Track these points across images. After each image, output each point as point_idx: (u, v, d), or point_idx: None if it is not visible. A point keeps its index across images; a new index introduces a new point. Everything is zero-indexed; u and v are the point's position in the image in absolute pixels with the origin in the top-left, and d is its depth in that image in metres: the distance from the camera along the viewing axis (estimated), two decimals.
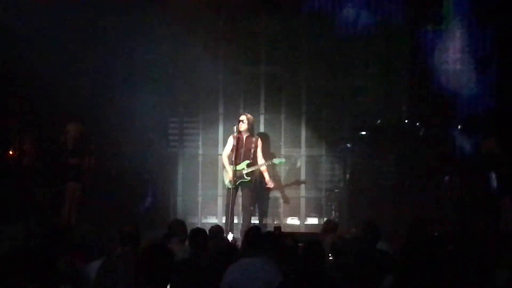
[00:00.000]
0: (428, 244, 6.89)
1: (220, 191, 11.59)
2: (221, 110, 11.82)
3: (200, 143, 11.88)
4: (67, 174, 10.24)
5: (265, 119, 11.83)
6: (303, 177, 11.80)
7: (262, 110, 11.85)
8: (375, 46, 11.63)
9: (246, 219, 10.20)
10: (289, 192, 11.75)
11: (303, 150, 11.83)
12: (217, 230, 7.96)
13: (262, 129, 11.74)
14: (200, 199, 11.78)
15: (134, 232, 6.55)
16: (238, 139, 10.17)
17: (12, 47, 10.41)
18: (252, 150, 10.22)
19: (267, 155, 10.67)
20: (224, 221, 10.46)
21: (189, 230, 7.35)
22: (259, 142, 10.30)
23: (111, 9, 11.01)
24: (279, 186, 11.39)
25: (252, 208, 10.47)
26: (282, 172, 11.82)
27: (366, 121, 11.74)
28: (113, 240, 6.78)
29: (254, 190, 10.37)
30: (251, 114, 11.44)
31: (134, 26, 11.25)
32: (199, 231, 7.03)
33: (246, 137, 10.22)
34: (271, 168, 11.01)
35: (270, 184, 10.39)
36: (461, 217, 10.34)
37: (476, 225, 9.80)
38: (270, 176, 10.51)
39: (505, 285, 5.44)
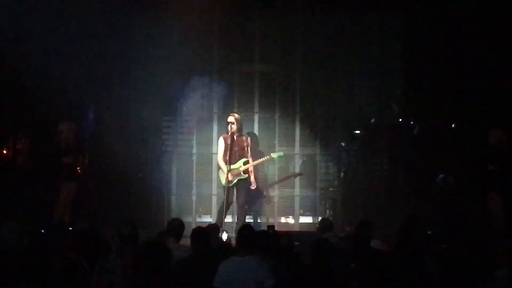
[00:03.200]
0: (422, 242, 6.93)
1: (215, 190, 11.60)
2: (215, 109, 11.82)
3: (194, 142, 11.87)
4: (61, 174, 10.23)
5: (259, 118, 11.84)
6: (297, 176, 11.80)
7: (256, 109, 11.85)
8: (369, 45, 11.64)
9: (241, 217, 10.22)
10: (283, 191, 11.78)
11: (297, 149, 11.83)
12: (213, 229, 7.98)
13: (256, 128, 11.76)
14: (194, 198, 11.78)
15: (133, 231, 6.56)
16: (230, 139, 10.22)
17: (6, 48, 10.41)
18: (246, 148, 10.27)
19: (258, 153, 10.72)
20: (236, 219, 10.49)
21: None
22: (249, 140, 10.36)
23: (106, 8, 11.01)
24: (264, 185, 11.40)
25: (246, 206, 10.48)
26: (276, 171, 11.84)
27: (360, 120, 11.75)
28: (111, 239, 6.79)
29: (249, 189, 10.39)
30: (245, 113, 11.52)
31: (129, 26, 11.26)
32: (201, 230, 7.04)
33: (237, 136, 10.26)
34: (262, 167, 11.05)
35: (254, 185, 10.40)
36: (455, 216, 10.38)
37: (470, 223, 9.83)
38: (257, 176, 10.57)
39: (505, 283, 5.47)
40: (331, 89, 11.72)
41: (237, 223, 10.20)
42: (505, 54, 10.47)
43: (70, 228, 9.27)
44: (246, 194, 10.29)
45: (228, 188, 10.08)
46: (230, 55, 11.75)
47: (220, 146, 10.35)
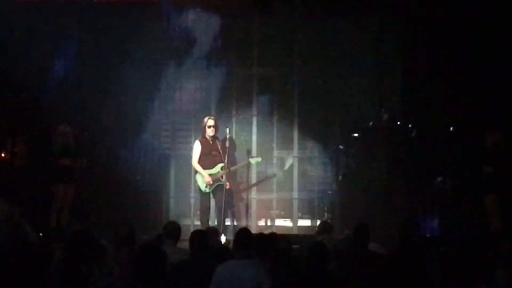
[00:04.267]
0: (420, 245, 6.93)
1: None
2: (213, 112, 11.80)
3: (192, 145, 11.85)
4: (58, 176, 10.21)
5: (257, 121, 11.83)
6: (295, 179, 11.80)
7: (254, 112, 11.85)
8: (367, 48, 11.64)
9: (221, 220, 10.29)
10: (281, 194, 11.78)
11: (295, 151, 11.83)
12: (212, 232, 7.97)
13: (254, 130, 11.77)
14: (192, 200, 11.75)
15: (130, 234, 6.54)
16: (206, 143, 10.27)
17: (3, 50, 10.40)
18: (221, 152, 10.30)
19: (233, 157, 10.88)
20: (216, 223, 10.49)
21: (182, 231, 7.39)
22: (227, 144, 10.40)
23: (104, 12, 11.03)
24: (240, 188, 11.41)
25: (231, 209, 10.60)
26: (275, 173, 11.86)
27: (358, 123, 11.74)
28: (108, 242, 6.77)
29: (227, 192, 10.43)
30: (243, 116, 11.54)
31: (126, 28, 11.25)
32: (200, 233, 7.02)
33: (212, 140, 10.30)
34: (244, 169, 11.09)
35: (227, 186, 10.40)
36: (453, 218, 10.38)
37: (469, 226, 9.83)
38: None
39: (504, 285, 5.46)
40: (329, 92, 11.71)
41: (223, 225, 10.23)
42: (503, 57, 10.47)
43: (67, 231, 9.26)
44: (225, 197, 10.30)
45: (207, 193, 10.27)
46: (228, 58, 11.74)
47: (196, 150, 10.40)
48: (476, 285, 5.18)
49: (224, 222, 10.25)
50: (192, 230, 7.45)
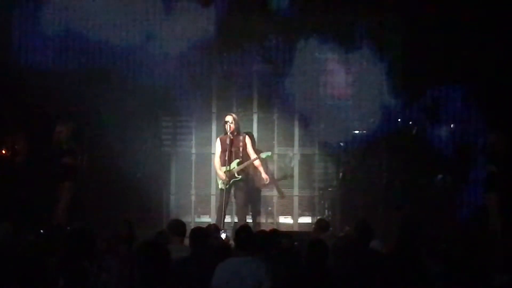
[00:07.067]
0: (420, 243, 6.91)
1: (214, 190, 11.58)
2: (214, 109, 11.81)
3: (193, 142, 11.87)
4: (60, 174, 10.20)
5: (258, 118, 11.82)
6: (296, 176, 11.80)
7: (255, 109, 11.85)
8: (367, 45, 11.62)
9: (242, 218, 10.20)
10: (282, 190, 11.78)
11: (296, 149, 11.83)
12: (213, 229, 7.97)
13: (255, 128, 11.76)
14: (193, 198, 11.77)
15: (129, 231, 6.54)
16: (226, 140, 10.18)
17: (3, 47, 10.40)
18: (241, 149, 10.21)
19: (257, 153, 10.71)
20: (236, 220, 10.47)
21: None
22: (248, 139, 10.30)
23: (104, 7, 11.02)
24: (272, 182, 11.36)
25: (246, 207, 10.48)
26: (276, 171, 11.83)
27: (359, 120, 11.73)
28: (107, 239, 6.78)
29: (247, 189, 10.36)
30: (244, 113, 11.50)
31: (127, 24, 11.23)
32: (199, 230, 7.02)
33: (234, 136, 10.21)
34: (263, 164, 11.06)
35: (266, 179, 10.34)
36: (453, 216, 10.38)
37: (469, 224, 9.84)
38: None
39: (502, 285, 5.46)
40: (330, 89, 11.69)
41: (238, 223, 10.15)
42: (504, 54, 10.47)
43: (69, 228, 9.25)
44: (243, 195, 10.23)
45: (223, 190, 10.07)
46: (229, 55, 11.72)
47: (216, 148, 10.35)
48: (477, 285, 5.18)
49: (241, 221, 10.17)
50: (192, 227, 7.45)
